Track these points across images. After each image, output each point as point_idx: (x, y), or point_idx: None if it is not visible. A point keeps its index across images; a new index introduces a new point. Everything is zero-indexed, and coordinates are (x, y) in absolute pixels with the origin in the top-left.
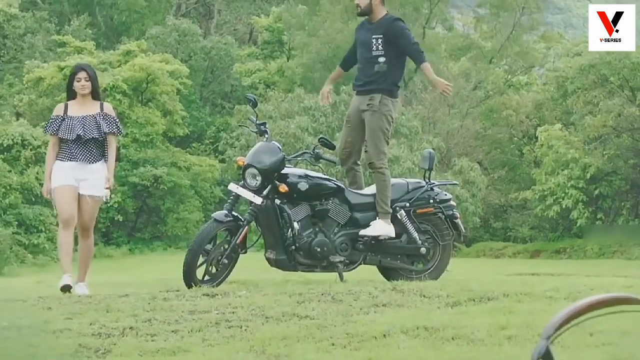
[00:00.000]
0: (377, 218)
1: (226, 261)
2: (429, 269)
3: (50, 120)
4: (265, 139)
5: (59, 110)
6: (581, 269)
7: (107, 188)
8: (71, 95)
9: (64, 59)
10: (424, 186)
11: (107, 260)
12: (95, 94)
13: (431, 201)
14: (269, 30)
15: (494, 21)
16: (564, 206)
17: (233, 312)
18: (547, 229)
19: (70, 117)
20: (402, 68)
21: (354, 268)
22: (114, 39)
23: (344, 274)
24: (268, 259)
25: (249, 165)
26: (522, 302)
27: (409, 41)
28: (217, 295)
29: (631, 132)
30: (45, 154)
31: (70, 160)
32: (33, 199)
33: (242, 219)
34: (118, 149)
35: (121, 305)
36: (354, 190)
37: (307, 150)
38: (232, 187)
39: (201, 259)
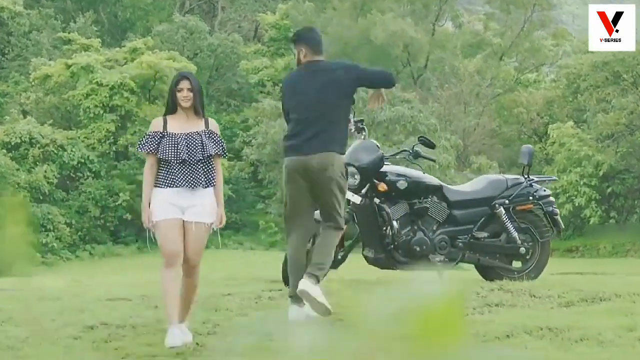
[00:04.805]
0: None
1: None
2: (528, 268)
3: (147, 137)
4: (362, 137)
5: (156, 125)
6: (606, 267)
7: (219, 227)
8: (171, 108)
9: (71, 57)
10: (522, 182)
11: (117, 259)
12: (197, 108)
13: (530, 197)
14: (275, 28)
15: (504, 18)
16: (576, 204)
17: (341, 313)
18: None
19: (172, 135)
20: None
21: (452, 266)
22: (118, 36)
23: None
24: (366, 257)
25: (347, 164)
26: (637, 302)
27: None
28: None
29: None
30: (54, 152)
31: (171, 186)
32: (41, 198)
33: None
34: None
35: (228, 304)
36: (453, 188)
37: (406, 149)
38: None
39: None
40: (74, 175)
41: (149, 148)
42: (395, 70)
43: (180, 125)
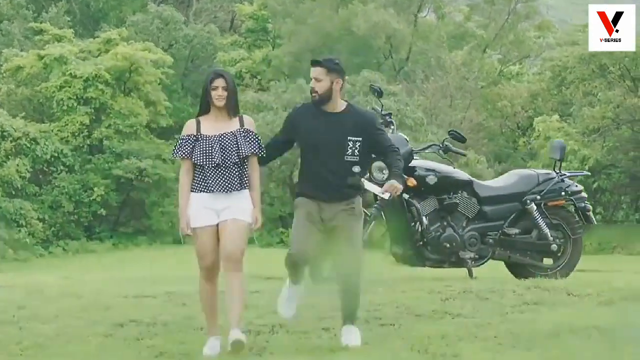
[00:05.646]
0: (349, 325)
1: None
2: (560, 265)
3: (181, 141)
4: (390, 131)
5: (190, 128)
6: (594, 264)
7: (256, 229)
8: (205, 108)
9: (43, 48)
10: (554, 177)
11: (91, 255)
12: (231, 108)
13: (563, 193)
14: (253, 18)
15: (488, 9)
16: None
17: (377, 310)
18: None
19: (205, 137)
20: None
21: (482, 263)
22: (90, 26)
23: (472, 269)
24: (395, 254)
25: (375, 159)
26: None
27: (388, 144)
28: None
29: (631, 123)
30: (27, 146)
31: (204, 191)
32: (13, 192)
33: (369, 214)
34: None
35: (257, 301)
36: (484, 183)
37: (435, 143)
38: None
39: None
40: (47, 170)
41: (183, 153)
42: (377, 62)
43: (213, 126)
